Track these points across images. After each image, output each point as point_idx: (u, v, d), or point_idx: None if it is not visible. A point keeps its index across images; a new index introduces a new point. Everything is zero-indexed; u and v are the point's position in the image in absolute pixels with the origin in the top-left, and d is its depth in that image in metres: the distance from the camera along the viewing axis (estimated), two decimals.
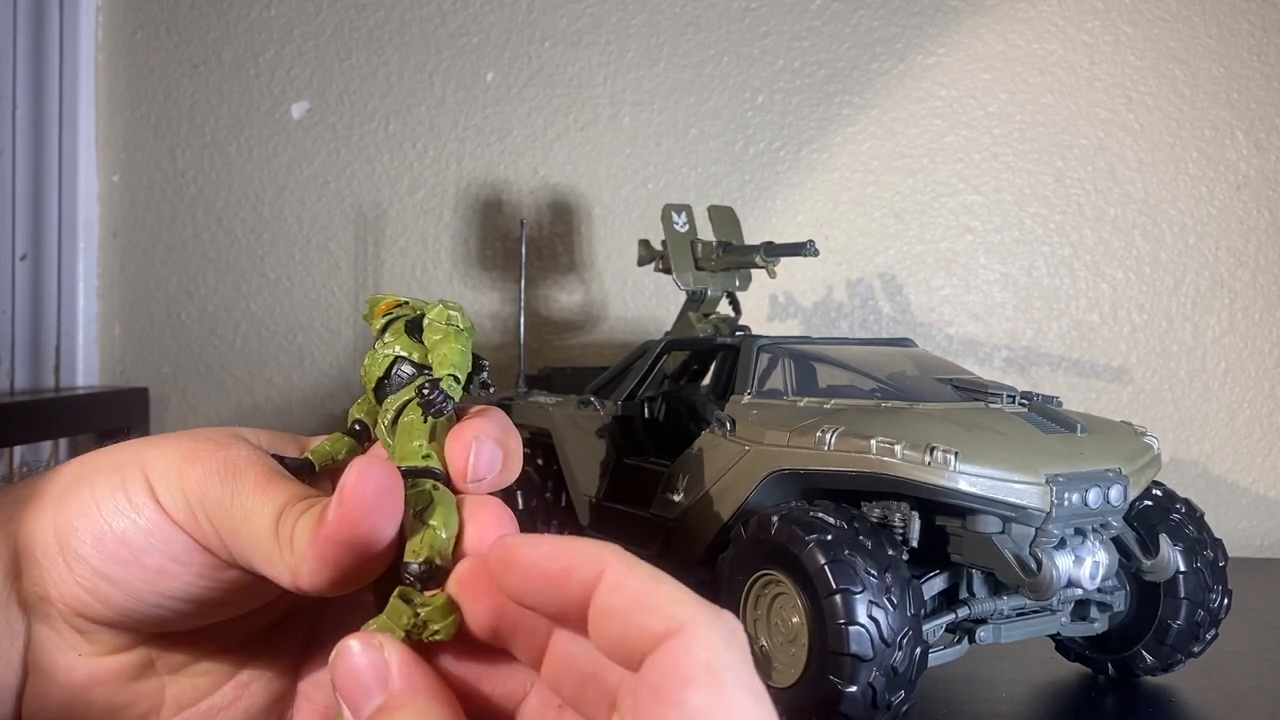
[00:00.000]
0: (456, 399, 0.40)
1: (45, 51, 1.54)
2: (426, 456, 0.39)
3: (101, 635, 0.41)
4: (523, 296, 1.28)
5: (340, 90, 1.57)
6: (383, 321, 0.44)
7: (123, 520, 0.39)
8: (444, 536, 0.37)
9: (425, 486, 0.38)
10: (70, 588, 0.39)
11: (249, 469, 0.39)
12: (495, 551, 0.34)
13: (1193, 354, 1.51)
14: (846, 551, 0.71)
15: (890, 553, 0.73)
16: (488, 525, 0.37)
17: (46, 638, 0.41)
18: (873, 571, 0.70)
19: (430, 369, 0.42)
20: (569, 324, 1.55)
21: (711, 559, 0.88)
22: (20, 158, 1.53)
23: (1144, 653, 0.88)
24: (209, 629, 0.42)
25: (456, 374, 0.40)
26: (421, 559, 0.36)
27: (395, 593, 0.36)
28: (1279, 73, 1.51)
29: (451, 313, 0.43)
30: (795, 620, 0.75)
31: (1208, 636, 0.88)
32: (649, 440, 1.06)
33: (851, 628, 0.69)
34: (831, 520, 0.74)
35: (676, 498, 0.92)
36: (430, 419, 0.40)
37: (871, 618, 0.69)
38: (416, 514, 0.37)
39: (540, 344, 1.54)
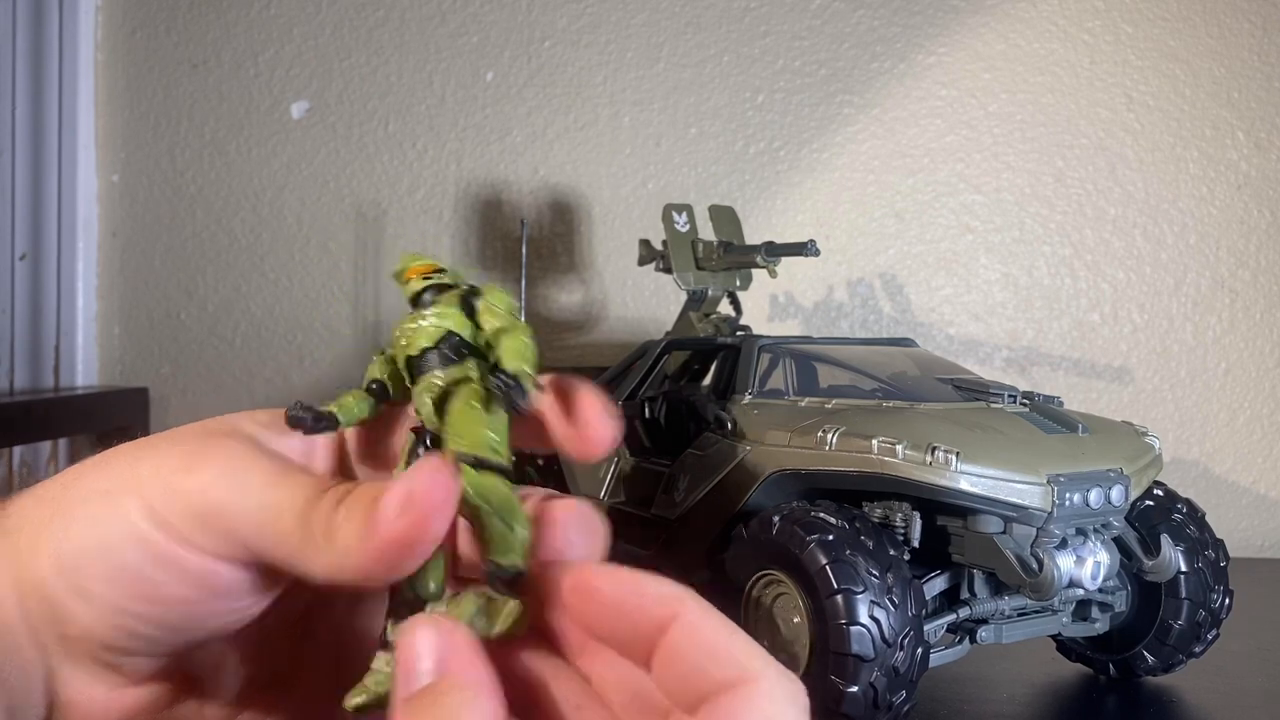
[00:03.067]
0: (532, 399, 0.38)
1: (45, 51, 1.53)
2: (496, 450, 0.37)
3: (134, 663, 0.39)
4: (523, 296, 1.28)
5: (340, 90, 1.57)
6: (421, 284, 0.40)
7: (131, 554, 0.36)
8: (526, 538, 0.35)
9: (497, 481, 0.36)
10: (94, 627, 0.37)
11: (254, 464, 0.37)
12: (573, 580, 0.34)
13: (1193, 354, 1.51)
14: (848, 551, 0.71)
15: (892, 553, 0.73)
16: (565, 527, 0.37)
17: (72, 674, 0.38)
18: (874, 571, 0.70)
19: (482, 352, 0.40)
20: (569, 324, 1.55)
21: (712, 559, 0.88)
22: (20, 157, 1.53)
23: (1145, 653, 0.88)
24: (240, 631, 0.40)
25: (531, 372, 0.38)
26: (515, 566, 0.35)
27: (473, 592, 0.35)
28: (1279, 72, 1.51)
29: (511, 300, 0.40)
30: (796, 620, 0.75)
31: (1209, 637, 0.88)
32: (650, 440, 1.06)
33: (853, 628, 0.69)
34: (833, 520, 0.73)
35: (677, 497, 0.92)
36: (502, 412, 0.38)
37: (873, 618, 0.69)
38: (493, 510, 0.35)
39: (540, 344, 1.53)
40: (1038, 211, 1.52)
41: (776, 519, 0.76)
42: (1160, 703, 0.88)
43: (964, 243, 1.53)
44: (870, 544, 0.72)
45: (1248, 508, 1.50)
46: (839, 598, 0.70)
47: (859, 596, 0.69)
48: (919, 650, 0.71)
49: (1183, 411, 1.51)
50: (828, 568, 0.71)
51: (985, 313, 1.52)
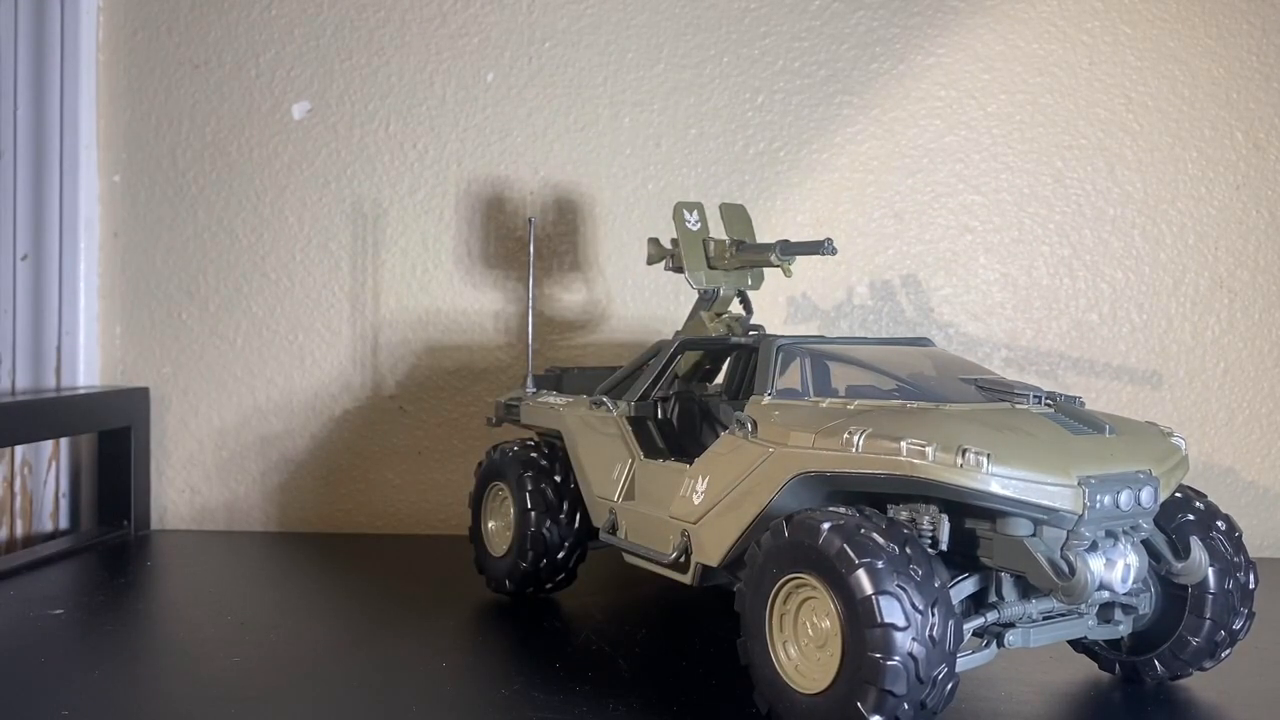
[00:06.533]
0: None
1: (46, 52, 1.54)
2: None
3: None
4: (531, 295, 1.28)
5: (341, 90, 1.57)
6: None
7: None
8: None
9: None
10: None
11: None
12: None
13: (1192, 354, 1.52)
14: (897, 583, 0.69)
15: (937, 584, 0.71)
16: None
17: None
18: (919, 606, 0.69)
19: None
20: (571, 323, 1.56)
21: (730, 562, 0.87)
22: (21, 158, 1.53)
23: (1156, 661, 0.88)
24: None
25: None
26: None
27: None
28: (1278, 73, 1.52)
29: None
30: (826, 625, 0.73)
31: (1223, 655, 0.88)
32: (663, 441, 1.06)
33: (888, 663, 0.68)
34: (882, 542, 0.71)
35: (696, 500, 0.91)
36: None
37: (910, 655, 0.68)
38: None
39: (542, 343, 1.54)
40: (1036, 212, 1.53)
41: (826, 527, 0.73)
42: (1158, 702, 0.88)
43: (963, 243, 1.53)
44: (919, 574, 0.70)
45: (1246, 507, 1.50)
46: (879, 631, 0.68)
47: (899, 634, 0.68)
48: (949, 686, 0.70)
49: (1181, 411, 1.51)
50: (875, 598, 0.69)
51: (984, 313, 1.53)
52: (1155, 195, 1.52)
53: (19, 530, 1.53)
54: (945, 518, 0.77)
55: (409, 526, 1.57)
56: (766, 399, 0.90)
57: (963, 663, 0.76)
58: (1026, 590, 0.80)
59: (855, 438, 0.77)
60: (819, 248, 1.05)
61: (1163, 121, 1.52)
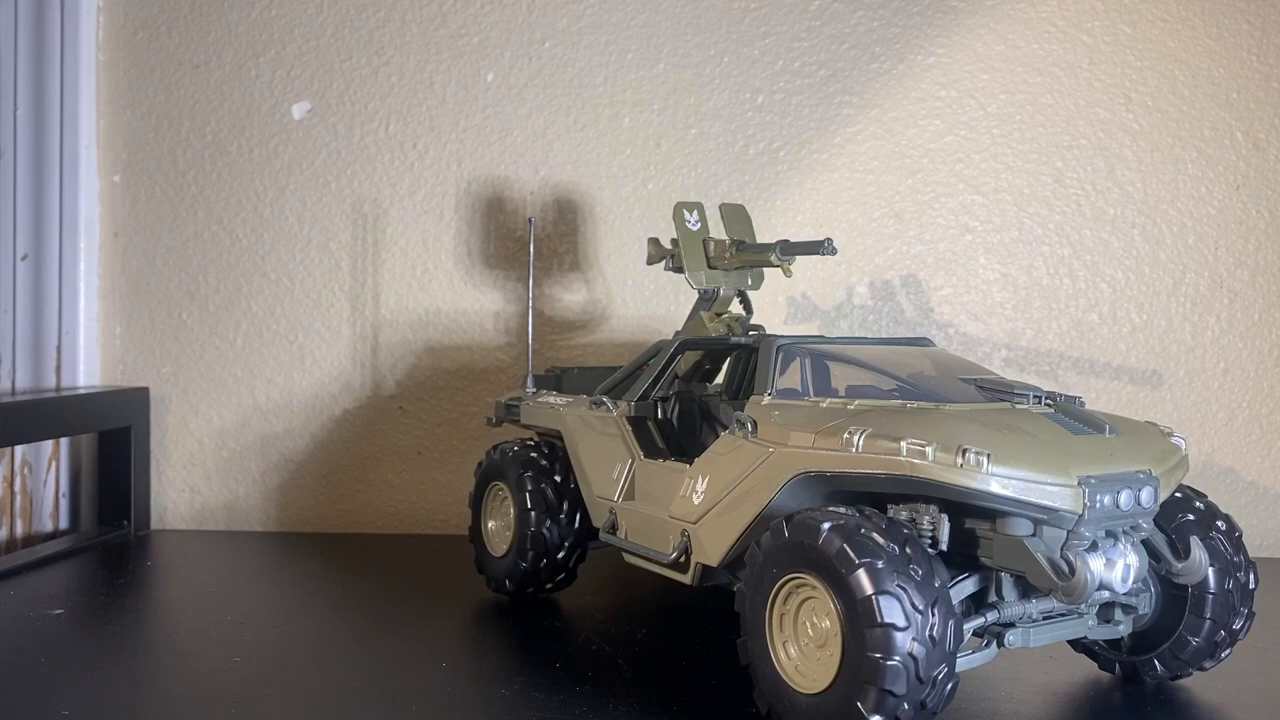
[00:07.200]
0: None
1: (46, 52, 1.54)
2: None
3: None
4: (530, 294, 1.29)
5: (341, 90, 1.57)
6: None
7: None
8: None
9: None
10: None
11: None
12: None
13: (1192, 354, 1.52)
14: (897, 583, 0.69)
15: (937, 584, 0.71)
16: None
17: None
18: (919, 606, 0.69)
19: None
20: (571, 323, 1.56)
21: (730, 562, 0.87)
22: (21, 158, 1.53)
23: (1156, 661, 0.88)
24: None
25: None
26: None
27: None
28: (1278, 73, 1.52)
29: None
30: (826, 624, 0.73)
31: (1223, 655, 0.88)
32: (663, 441, 1.06)
33: (888, 663, 0.68)
34: (882, 542, 0.71)
35: (696, 500, 0.91)
36: None
37: (910, 655, 0.68)
38: None
39: (541, 343, 1.54)
40: (1036, 212, 1.53)
41: (826, 527, 0.73)
42: (1157, 702, 0.88)
43: (963, 243, 1.53)
44: (919, 573, 0.70)
45: (1246, 507, 1.50)
46: (879, 630, 0.68)
47: (899, 634, 0.68)
48: (949, 686, 0.70)
49: (1181, 411, 1.51)
50: (874, 599, 0.69)
51: (984, 313, 1.53)
52: (1155, 195, 1.52)
53: (19, 530, 1.53)
54: (945, 518, 0.77)
55: (409, 526, 1.57)
56: (766, 399, 0.90)
57: (963, 663, 0.76)
58: (1026, 590, 0.80)
59: (855, 438, 0.77)
60: (819, 248, 1.05)
61: (1163, 121, 1.52)
